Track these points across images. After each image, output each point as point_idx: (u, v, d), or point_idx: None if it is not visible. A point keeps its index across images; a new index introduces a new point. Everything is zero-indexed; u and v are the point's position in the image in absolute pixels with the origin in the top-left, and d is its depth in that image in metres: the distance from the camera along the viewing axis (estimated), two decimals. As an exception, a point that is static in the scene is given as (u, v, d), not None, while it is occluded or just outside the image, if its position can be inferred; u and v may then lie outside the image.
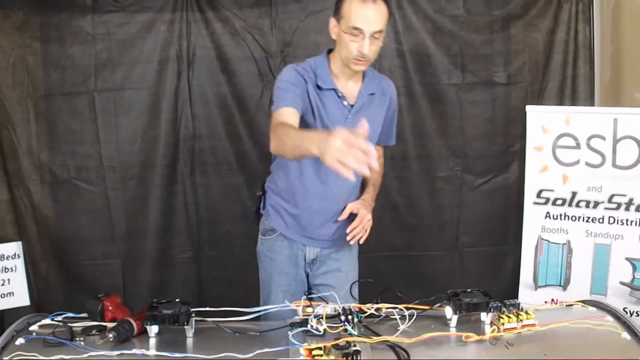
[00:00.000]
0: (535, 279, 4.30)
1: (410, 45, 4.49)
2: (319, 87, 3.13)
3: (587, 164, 4.11)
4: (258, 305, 2.73)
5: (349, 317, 2.44)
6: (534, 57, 4.58)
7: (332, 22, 3.11)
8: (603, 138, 4.06)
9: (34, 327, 2.50)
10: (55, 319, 2.56)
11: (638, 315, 4.00)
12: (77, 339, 2.40)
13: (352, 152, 2.16)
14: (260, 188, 3.47)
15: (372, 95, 3.25)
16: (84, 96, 4.31)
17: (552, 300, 2.79)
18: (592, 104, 4.59)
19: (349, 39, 3.01)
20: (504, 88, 4.57)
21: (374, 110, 3.25)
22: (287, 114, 2.97)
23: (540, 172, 4.21)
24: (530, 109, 4.23)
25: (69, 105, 4.31)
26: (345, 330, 2.39)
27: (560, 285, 4.25)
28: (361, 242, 3.31)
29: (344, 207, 3.29)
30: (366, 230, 3.28)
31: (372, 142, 3.30)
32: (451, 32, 4.52)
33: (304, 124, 3.10)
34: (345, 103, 3.16)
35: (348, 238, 3.24)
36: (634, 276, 4.07)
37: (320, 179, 3.23)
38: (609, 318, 2.61)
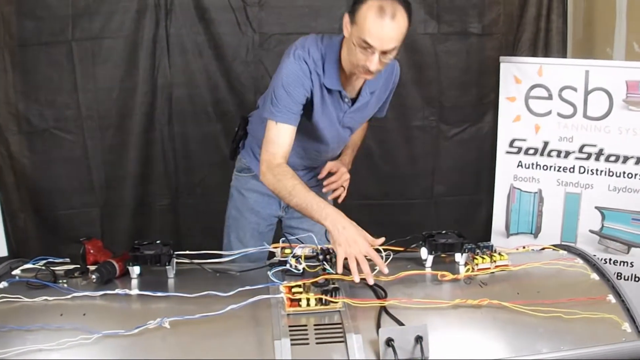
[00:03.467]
0: (507, 227, 4.39)
1: (386, -5, 4.46)
2: (325, 87, 2.90)
3: (559, 114, 4.18)
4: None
5: (327, 257, 2.48)
6: (509, 9, 4.58)
7: (346, 19, 2.75)
8: (575, 89, 4.12)
9: (16, 272, 2.53)
10: (36, 263, 2.58)
11: (606, 262, 4.10)
12: (60, 281, 2.44)
13: (363, 264, 2.45)
14: (239, 125, 3.38)
15: (373, 92, 3.06)
16: (62, 45, 4.25)
17: (524, 247, 2.86)
18: (564, 56, 4.62)
19: (358, 49, 2.69)
20: (478, 39, 4.58)
21: (373, 103, 3.13)
22: (286, 146, 2.87)
23: (513, 122, 4.28)
24: (503, 60, 4.28)
25: (46, 54, 4.26)
26: (324, 269, 2.44)
27: (531, 233, 4.34)
28: (339, 200, 3.32)
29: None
30: (344, 188, 3.33)
31: (360, 125, 3.33)
32: (427, -17, 4.52)
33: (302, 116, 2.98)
34: (346, 100, 2.99)
35: (324, 190, 3.27)
36: (602, 225, 4.17)
37: (309, 156, 3.24)
38: (579, 260, 2.69)
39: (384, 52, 2.68)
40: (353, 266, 2.43)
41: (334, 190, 3.33)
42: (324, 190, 3.27)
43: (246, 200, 3.38)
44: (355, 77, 2.92)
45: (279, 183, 2.79)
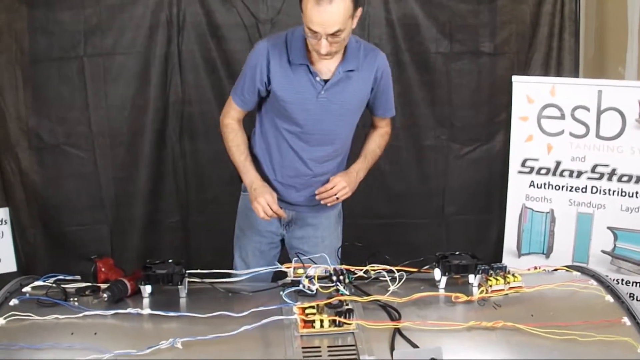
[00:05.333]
0: (518, 247, 4.36)
1: (399, 14, 4.47)
2: (290, 62, 3.06)
3: (572, 134, 4.15)
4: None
5: (341, 277, 2.47)
6: (521, 28, 4.57)
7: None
8: (587, 109, 4.10)
9: (27, 289, 2.52)
10: (47, 280, 2.57)
11: (618, 283, 4.07)
12: (71, 299, 2.43)
13: (267, 210, 3.12)
14: None
15: (351, 71, 3.11)
16: (73, 62, 4.26)
17: (535, 267, 2.85)
18: (576, 76, 4.61)
19: (309, 35, 2.88)
20: (490, 58, 4.58)
21: (352, 87, 3.14)
22: (237, 115, 3.28)
23: (525, 141, 4.25)
24: (516, 79, 4.26)
25: (57, 71, 4.27)
26: (337, 290, 2.42)
27: (543, 253, 4.31)
28: (328, 204, 3.31)
29: (321, 177, 3.32)
30: (337, 197, 3.25)
31: (352, 121, 3.30)
32: (439, 2, 4.50)
33: (274, 99, 3.12)
34: (317, 79, 3.07)
35: (316, 197, 3.27)
36: (615, 245, 4.13)
37: (299, 157, 3.25)
38: (593, 282, 2.67)
39: (332, 35, 2.83)
40: (257, 211, 3.13)
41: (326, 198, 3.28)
42: (316, 197, 3.28)
43: (248, 219, 3.41)
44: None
45: (225, 138, 3.29)
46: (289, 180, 3.31)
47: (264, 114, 3.27)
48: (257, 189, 3.15)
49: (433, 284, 2.60)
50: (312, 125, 3.15)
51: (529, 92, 4.21)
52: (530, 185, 4.26)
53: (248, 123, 3.37)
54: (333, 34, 2.82)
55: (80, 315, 2.30)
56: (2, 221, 4.40)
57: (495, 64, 4.59)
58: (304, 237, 3.43)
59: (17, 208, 4.44)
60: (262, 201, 3.10)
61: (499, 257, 4.37)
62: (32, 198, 4.43)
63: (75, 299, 2.44)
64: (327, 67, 3.08)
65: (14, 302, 2.39)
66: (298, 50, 3.05)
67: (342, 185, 3.22)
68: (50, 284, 2.53)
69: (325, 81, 3.08)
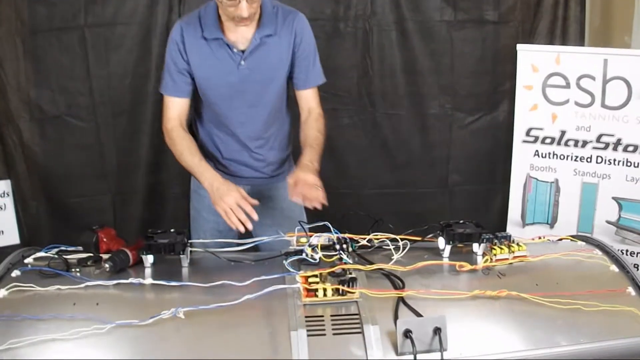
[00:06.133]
0: (523, 217, 4.35)
1: (403, -18, 4.44)
2: (205, 39, 2.99)
3: (577, 103, 4.13)
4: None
5: (344, 246, 2.46)
6: (526, -3, 4.55)
7: None
8: (593, 78, 4.07)
9: (29, 260, 2.52)
10: (49, 251, 2.57)
11: (623, 253, 4.06)
12: (73, 270, 2.43)
13: (238, 213, 2.79)
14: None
15: (268, 37, 3.03)
16: (74, 32, 4.22)
17: (540, 237, 2.84)
18: (582, 45, 4.58)
19: (224, 2, 2.80)
20: (494, 26, 4.53)
21: (271, 52, 3.06)
22: (176, 113, 3.13)
23: (529, 110, 4.23)
24: (521, 48, 4.22)
25: (58, 41, 4.23)
26: (340, 259, 2.41)
27: (547, 223, 4.30)
28: (325, 202, 2.86)
29: (263, 153, 3.27)
30: (319, 188, 2.87)
31: (276, 91, 3.18)
32: (443, -30, 4.48)
33: (197, 79, 3.07)
34: (234, 50, 3.00)
35: (308, 204, 2.90)
36: (619, 215, 4.12)
37: (234, 133, 3.20)
38: (598, 252, 2.67)
39: None
40: (227, 218, 2.81)
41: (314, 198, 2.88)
42: (306, 204, 2.91)
43: (202, 199, 3.30)
44: (243, 26, 2.96)
45: (173, 146, 3.13)
46: (235, 155, 3.25)
47: (198, 100, 3.20)
48: (220, 187, 2.90)
49: (437, 253, 2.59)
50: (237, 99, 3.09)
51: (533, 60, 4.18)
52: (534, 155, 4.24)
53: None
54: None
55: (82, 285, 2.30)
56: (4, 193, 4.38)
57: (499, 32, 4.54)
58: (263, 210, 3.21)
59: (19, 180, 4.42)
60: (230, 200, 2.82)
61: (503, 227, 4.36)
62: (33, 170, 4.42)
63: (77, 269, 2.44)
64: (243, 37, 3.00)
65: (15, 273, 2.39)
66: (211, 25, 2.97)
67: (312, 178, 2.90)
68: (52, 255, 2.53)
69: (243, 51, 3.01)
